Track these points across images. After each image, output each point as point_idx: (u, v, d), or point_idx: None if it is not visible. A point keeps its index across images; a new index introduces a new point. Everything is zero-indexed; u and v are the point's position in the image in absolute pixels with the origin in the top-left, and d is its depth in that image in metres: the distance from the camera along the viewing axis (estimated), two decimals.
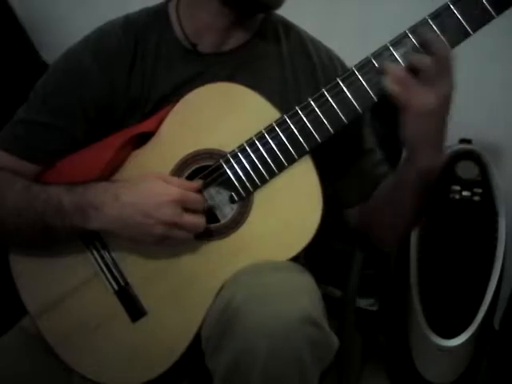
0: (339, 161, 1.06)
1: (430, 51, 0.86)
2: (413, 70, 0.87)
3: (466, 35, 0.88)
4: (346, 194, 1.08)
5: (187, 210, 0.91)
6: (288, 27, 1.09)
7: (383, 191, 1.04)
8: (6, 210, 0.98)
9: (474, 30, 0.88)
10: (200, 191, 0.96)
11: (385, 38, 0.91)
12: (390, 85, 0.87)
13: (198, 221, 0.92)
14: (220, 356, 0.84)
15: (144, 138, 0.99)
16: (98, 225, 0.93)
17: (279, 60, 1.05)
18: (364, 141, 1.08)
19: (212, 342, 0.87)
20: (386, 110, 1.09)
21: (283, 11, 1.05)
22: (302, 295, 0.85)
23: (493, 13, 0.87)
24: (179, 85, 1.01)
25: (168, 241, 0.92)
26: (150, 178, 0.94)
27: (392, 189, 1.00)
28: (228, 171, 0.95)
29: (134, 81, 1.02)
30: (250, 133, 0.94)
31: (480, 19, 0.88)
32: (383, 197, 1.03)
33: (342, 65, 1.08)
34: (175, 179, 0.95)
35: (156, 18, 1.06)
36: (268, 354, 0.79)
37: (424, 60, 0.85)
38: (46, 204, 0.95)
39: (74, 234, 0.97)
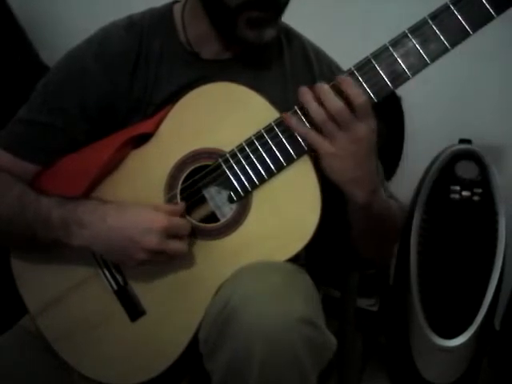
0: None
1: (345, 98, 0.86)
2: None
3: (466, 35, 0.88)
4: None
5: (172, 236, 0.92)
6: (291, 36, 1.09)
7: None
8: None
9: (474, 30, 0.88)
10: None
11: (385, 38, 0.90)
12: (304, 139, 0.89)
13: (182, 247, 0.93)
14: (217, 357, 0.84)
15: (143, 139, 0.99)
16: (81, 242, 0.94)
17: (281, 70, 1.05)
18: None
19: (209, 342, 0.87)
20: (386, 110, 1.10)
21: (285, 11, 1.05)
22: (299, 296, 0.85)
23: (493, 13, 0.87)
24: (181, 89, 1.01)
25: (149, 264, 0.93)
26: (140, 204, 0.94)
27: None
28: (227, 171, 0.94)
29: (136, 82, 1.03)
30: (249, 132, 0.93)
31: (480, 19, 0.87)
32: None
33: None
34: (164, 206, 0.95)
35: (161, 20, 1.06)
36: (265, 353, 0.79)
37: (336, 106, 0.85)
38: (36, 215, 0.96)
39: (59, 247, 0.97)
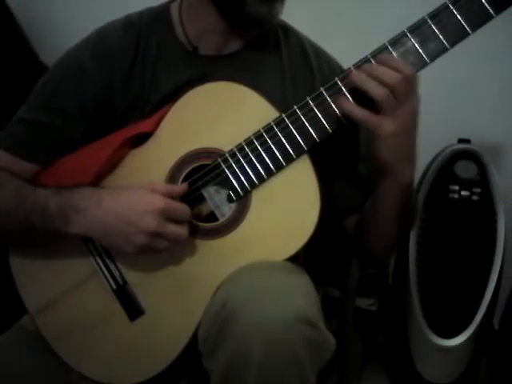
0: (338, 167, 1.05)
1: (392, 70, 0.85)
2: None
3: (465, 35, 0.88)
4: (346, 201, 1.07)
5: (171, 219, 0.91)
6: (288, 32, 1.09)
7: (368, 203, 1.03)
8: None
9: (473, 30, 0.88)
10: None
11: (385, 38, 0.91)
12: (363, 122, 0.87)
13: (181, 231, 0.92)
14: (217, 356, 0.84)
15: (142, 138, 0.99)
16: (78, 229, 0.93)
17: (279, 65, 1.05)
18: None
19: (208, 342, 0.86)
20: None
21: (284, 11, 1.05)
22: (298, 295, 0.85)
23: (492, 12, 0.87)
24: (180, 87, 1.01)
25: (149, 251, 0.92)
26: (137, 186, 0.93)
27: (374, 202, 0.99)
28: (226, 170, 0.94)
29: (134, 80, 1.02)
30: (249, 132, 0.93)
31: (479, 19, 0.88)
32: (368, 208, 1.02)
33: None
34: (162, 187, 0.94)
35: (158, 18, 1.06)
36: (264, 353, 0.79)
37: (396, 77, 0.85)
38: (34, 206, 0.95)
39: (59, 238, 0.96)
